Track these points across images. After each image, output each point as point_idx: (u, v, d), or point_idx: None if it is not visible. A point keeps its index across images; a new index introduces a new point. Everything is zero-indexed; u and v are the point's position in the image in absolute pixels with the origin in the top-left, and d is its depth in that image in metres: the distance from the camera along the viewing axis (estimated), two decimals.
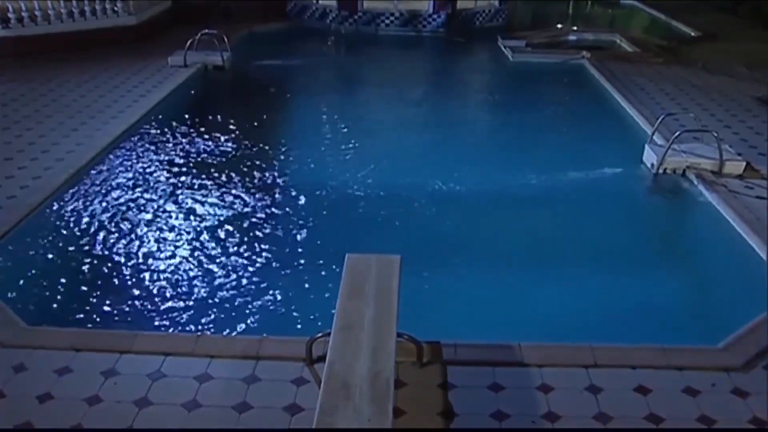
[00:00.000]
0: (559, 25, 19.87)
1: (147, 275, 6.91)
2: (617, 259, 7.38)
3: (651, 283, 6.94)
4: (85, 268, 7.02)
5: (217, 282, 6.81)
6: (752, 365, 5.29)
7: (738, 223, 7.63)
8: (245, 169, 9.55)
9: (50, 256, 7.22)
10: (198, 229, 7.88)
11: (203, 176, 9.27)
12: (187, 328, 6.10)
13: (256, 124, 11.56)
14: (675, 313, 6.54)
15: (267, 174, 9.45)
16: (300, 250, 7.47)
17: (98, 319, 6.18)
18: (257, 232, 7.84)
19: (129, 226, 7.84)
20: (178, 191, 8.81)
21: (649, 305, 6.58)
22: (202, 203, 8.50)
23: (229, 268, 7.06)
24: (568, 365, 5.27)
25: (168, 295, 6.59)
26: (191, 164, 9.68)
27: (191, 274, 6.95)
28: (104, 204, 8.31)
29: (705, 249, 8.01)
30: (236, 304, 6.48)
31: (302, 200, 8.67)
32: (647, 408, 4.86)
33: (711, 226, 8.02)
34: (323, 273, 6.84)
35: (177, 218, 8.12)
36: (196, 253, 7.33)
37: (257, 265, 7.15)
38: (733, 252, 7.48)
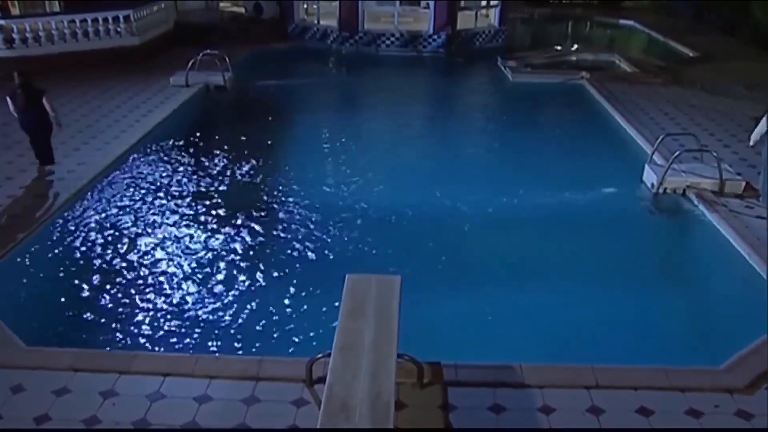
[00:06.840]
0: (559, 47, 20.03)
1: (146, 296, 6.88)
2: (618, 278, 7.36)
3: (652, 303, 6.91)
4: (87, 287, 6.98)
5: (220, 303, 6.79)
6: (755, 386, 5.26)
7: (738, 242, 7.63)
8: (246, 190, 9.58)
9: (51, 274, 7.21)
10: (199, 248, 7.86)
11: (204, 196, 9.28)
12: (186, 348, 6.07)
13: (257, 144, 11.57)
14: (677, 334, 6.51)
15: (268, 194, 9.46)
16: (301, 266, 7.46)
17: (98, 338, 6.16)
18: (256, 252, 7.83)
19: (130, 246, 7.82)
20: (179, 211, 8.81)
21: (650, 325, 6.55)
22: (202, 222, 8.49)
23: (231, 289, 7.04)
24: (569, 386, 5.24)
25: (164, 317, 6.55)
26: (192, 185, 9.69)
27: (189, 294, 6.93)
28: (104, 224, 8.30)
29: (706, 269, 7.99)
30: (238, 324, 6.46)
31: (302, 217, 8.67)
32: (650, 430, 4.81)
33: (711, 246, 8.01)
34: (324, 292, 6.82)
35: (177, 238, 8.10)
36: (196, 274, 7.30)
37: (259, 286, 7.14)
38: (733, 272, 7.47)
